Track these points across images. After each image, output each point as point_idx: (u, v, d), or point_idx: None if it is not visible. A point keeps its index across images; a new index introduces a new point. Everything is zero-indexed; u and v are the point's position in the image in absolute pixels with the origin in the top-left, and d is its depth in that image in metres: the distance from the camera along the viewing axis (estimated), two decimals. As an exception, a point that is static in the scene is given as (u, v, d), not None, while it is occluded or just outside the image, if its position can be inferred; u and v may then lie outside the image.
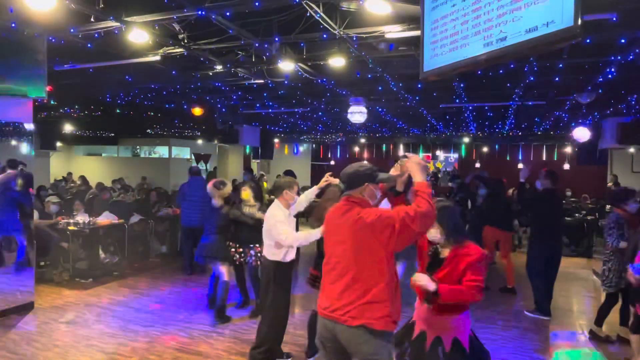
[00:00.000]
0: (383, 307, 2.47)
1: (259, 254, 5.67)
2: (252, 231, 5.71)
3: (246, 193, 5.79)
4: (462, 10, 3.12)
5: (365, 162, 2.83)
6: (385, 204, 2.94)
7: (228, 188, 5.82)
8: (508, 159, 18.37)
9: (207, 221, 5.75)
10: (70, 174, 14.27)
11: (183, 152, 15.36)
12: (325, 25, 5.19)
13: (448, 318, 2.78)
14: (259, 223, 5.83)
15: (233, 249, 5.78)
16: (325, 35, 5.57)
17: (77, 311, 5.72)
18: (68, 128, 13.36)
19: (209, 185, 5.76)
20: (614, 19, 4.45)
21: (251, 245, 5.72)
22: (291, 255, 4.24)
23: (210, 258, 5.57)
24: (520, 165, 16.72)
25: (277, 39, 5.86)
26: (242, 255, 5.76)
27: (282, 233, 3.95)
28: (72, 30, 5.52)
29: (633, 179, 11.75)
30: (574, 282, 7.65)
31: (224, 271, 5.51)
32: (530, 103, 9.55)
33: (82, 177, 12.68)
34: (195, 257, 5.89)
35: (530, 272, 5.91)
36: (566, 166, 15.79)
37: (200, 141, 15.03)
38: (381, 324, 2.47)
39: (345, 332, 2.53)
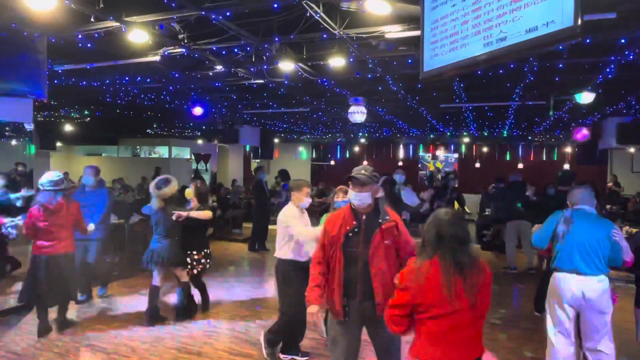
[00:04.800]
0: None
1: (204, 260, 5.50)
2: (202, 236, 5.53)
3: (189, 192, 5.57)
4: (462, 10, 3.12)
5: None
6: None
7: (171, 188, 5.22)
8: (508, 159, 18.37)
9: (156, 225, 5.24)
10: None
11: (183, 152, 15.37)
12: (325, 25, 5.19)
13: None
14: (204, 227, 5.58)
15: (189, 258, 5.39)
16: (325, 35, 5.58)
17: (77, 311, 5.71)
18: (68, 128, 13.36)
19: (151, 185, 5.31)
20: (614, 18, 4.46)
21: (196, 253, 5.42)
22: (306, 255, 4.15)
23: (163, 264, 5.17)
24: (520, 165, 16.74)
25: (277, 39, 5.86)
26: (201, 262, 5.45)
27: (293, 227, 4.13)
28: (72, 30, 5.53)
29: (633, 179, 11.78)
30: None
31: (181, 274, 5.38)
32: (530, 103, 9.56)
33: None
34: (144, 264, 5.25)
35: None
36: (566, 166, 15.79)
37: (200, 141, 15.04)
38: None
39: None
